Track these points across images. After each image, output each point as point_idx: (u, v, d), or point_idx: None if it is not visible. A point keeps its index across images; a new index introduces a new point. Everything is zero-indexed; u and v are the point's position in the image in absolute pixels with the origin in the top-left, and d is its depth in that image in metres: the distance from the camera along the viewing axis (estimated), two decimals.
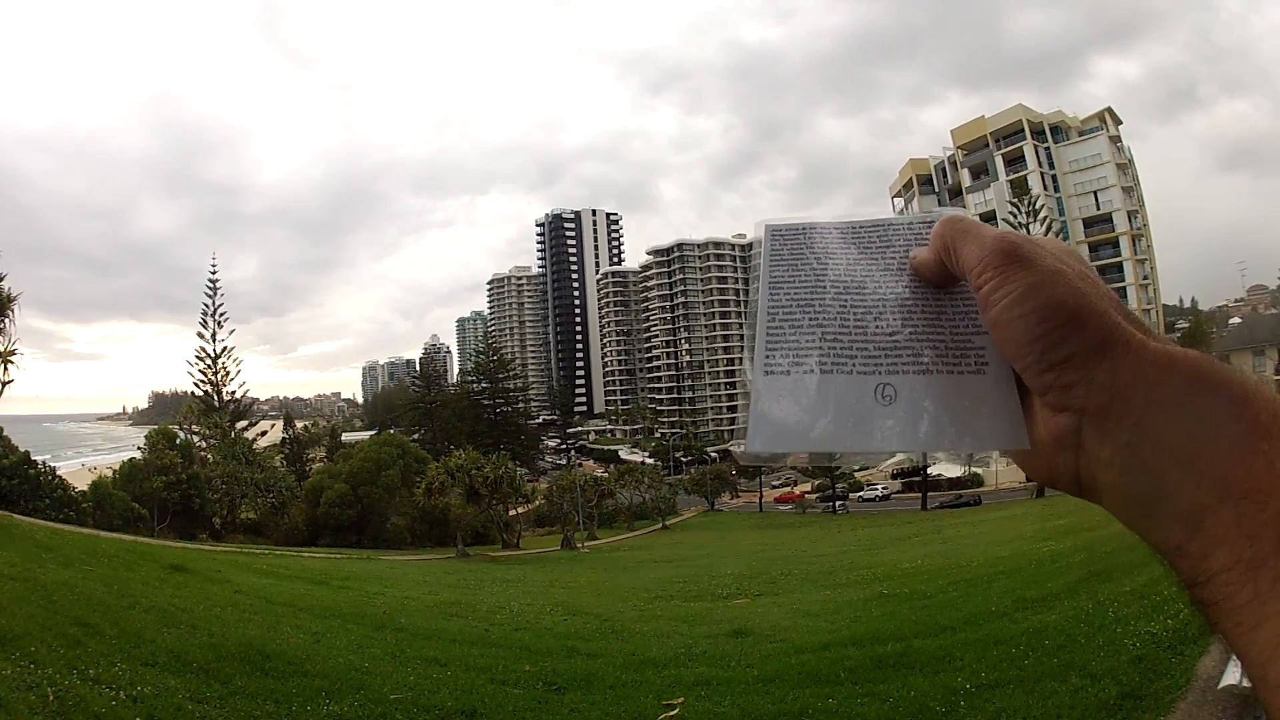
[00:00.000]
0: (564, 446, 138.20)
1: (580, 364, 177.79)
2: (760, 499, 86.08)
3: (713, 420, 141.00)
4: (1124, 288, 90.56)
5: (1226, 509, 0.59)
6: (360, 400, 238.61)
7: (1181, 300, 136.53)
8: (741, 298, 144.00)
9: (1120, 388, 0.64)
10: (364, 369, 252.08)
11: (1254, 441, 0.59)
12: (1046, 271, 0.68)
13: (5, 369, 37.15)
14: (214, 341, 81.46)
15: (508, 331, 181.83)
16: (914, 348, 0.77)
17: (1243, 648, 0.58)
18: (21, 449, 45.18)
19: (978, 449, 0.74)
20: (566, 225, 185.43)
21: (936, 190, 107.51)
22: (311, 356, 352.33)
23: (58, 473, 46.83)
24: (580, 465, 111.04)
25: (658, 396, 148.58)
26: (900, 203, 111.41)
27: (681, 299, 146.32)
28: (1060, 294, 0.66)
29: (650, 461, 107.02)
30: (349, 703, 9.10)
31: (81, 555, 18.82)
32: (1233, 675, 6.62)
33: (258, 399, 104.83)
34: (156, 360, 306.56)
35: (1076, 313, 0.66)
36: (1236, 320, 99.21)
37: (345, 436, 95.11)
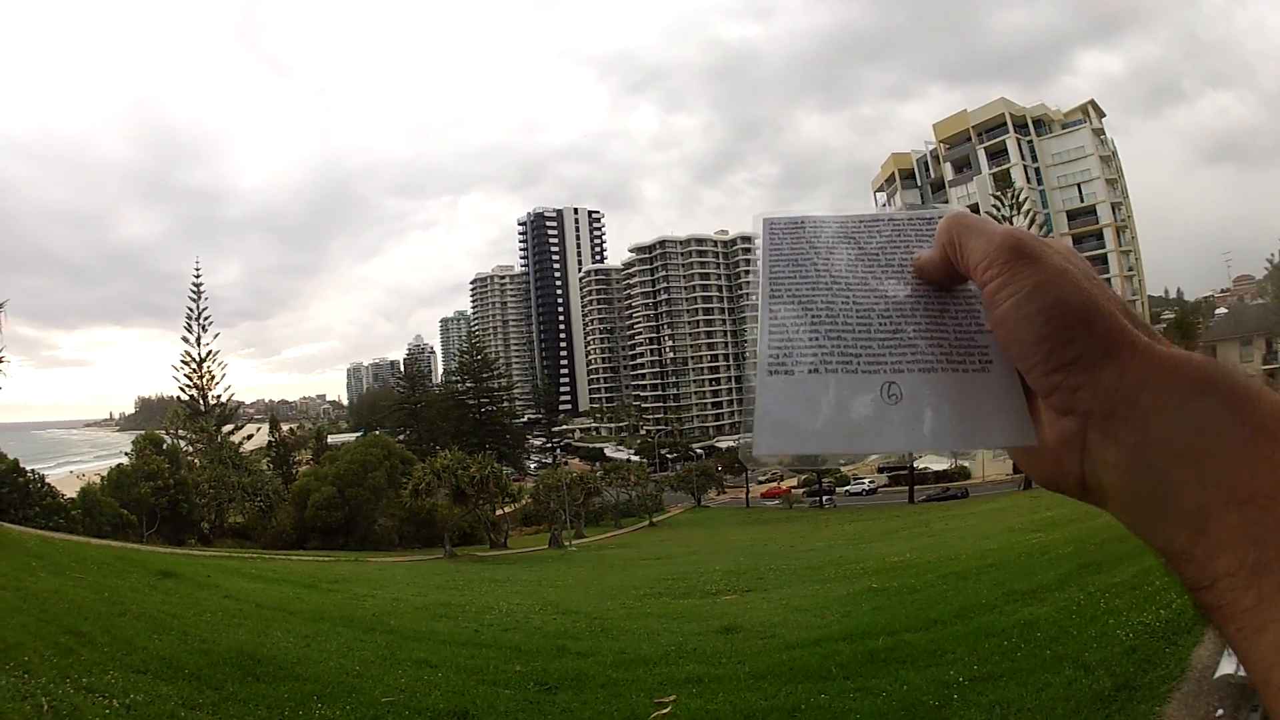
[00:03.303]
0: (549, 445, 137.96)
1: (564, 362, 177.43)
2: (747, 495, 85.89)
3: (697, 416, 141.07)
4: (1109, 279, 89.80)
5: (1231, 513, 0.58)
6: (345, 402, 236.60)
7: (1167, 291, 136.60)
8: (725, 294, 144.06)
9: (1126, 391, 0.63)
10: (348, 371, 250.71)
11: (1258, 445, 0.59)
12: (1054, 270, 0.67)
13: None
14: (199, 346, 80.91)
15: (491, 331, 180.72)
16: (918, 346, 0.75)
17: (1246, 652, 0.57)
18: (10, 456, 44.99)
19: (985, 446, 0.73)
20: (549, 224, 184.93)
21: (919, 184, 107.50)
22: (296, 359, 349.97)
23: (46, 480, 46.54)
24: (566, 464, 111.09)
25: (642, 394, 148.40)
26: (883, 197, 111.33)
27: (664, 296, 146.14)
28: (1068, 294, 0.66)
29: (636, 459, 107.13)
30: (341, 706, 9.07)
31: (71, 563, 18.77)
32: (1229, 665, 6.62)
33: (243, 403, 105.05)
34: (142, 366, 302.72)
35: (1084, 314, 0.65)
36: (1223, 310, 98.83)
37: (331, 438, 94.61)
